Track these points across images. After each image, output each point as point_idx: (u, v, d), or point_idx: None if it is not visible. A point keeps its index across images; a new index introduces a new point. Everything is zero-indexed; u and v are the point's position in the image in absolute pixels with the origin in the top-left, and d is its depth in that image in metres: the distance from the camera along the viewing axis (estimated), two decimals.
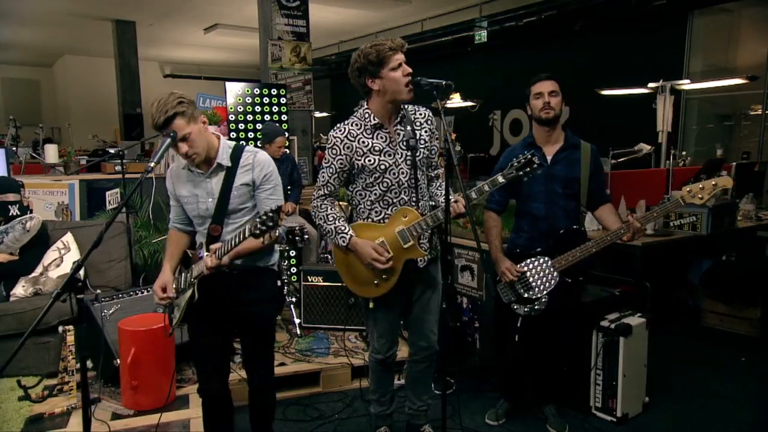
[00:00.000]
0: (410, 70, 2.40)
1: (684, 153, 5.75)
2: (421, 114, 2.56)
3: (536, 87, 2.81)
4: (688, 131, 8.08)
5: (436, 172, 2.67)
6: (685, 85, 5.27)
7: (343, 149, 2.45)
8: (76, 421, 2.95)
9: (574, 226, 2.85)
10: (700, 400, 3.41)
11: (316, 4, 8.47)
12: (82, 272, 3.82)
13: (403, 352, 3.30)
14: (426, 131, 2.54)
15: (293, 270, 4.95)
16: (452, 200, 2.34)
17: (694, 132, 8.09)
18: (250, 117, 5.35)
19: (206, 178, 2.26)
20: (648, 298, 4.22)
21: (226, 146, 2.30)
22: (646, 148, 5.21)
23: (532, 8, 8.68)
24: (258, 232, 1.98)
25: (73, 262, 1.90)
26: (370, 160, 2.44)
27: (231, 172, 2.25)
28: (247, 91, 5.34)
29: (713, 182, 2.55)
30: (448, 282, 2.65)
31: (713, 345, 4.32)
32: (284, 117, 5.48)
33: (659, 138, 5.50)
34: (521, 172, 2.34)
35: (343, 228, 2.48)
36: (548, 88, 2.78)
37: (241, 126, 5.33)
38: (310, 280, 4.08)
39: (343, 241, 2.46)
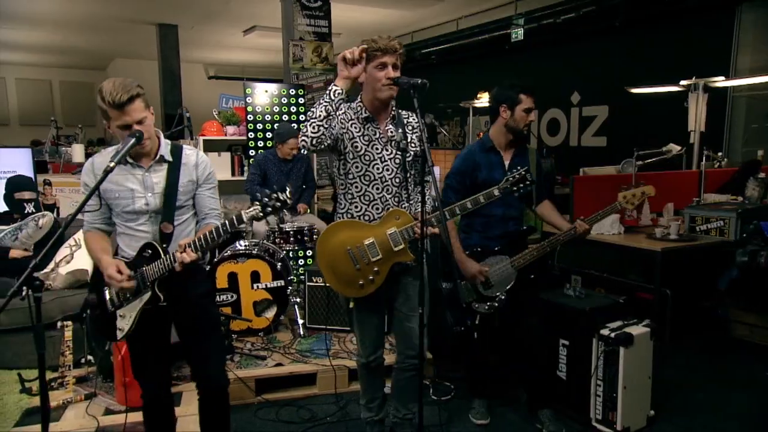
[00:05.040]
0: (392, 74, 2.37)
1: (720, 154, 5.44)
2: (413, 119, 2.56)
3: (528, 101, 2.83)
4: (735, 130, 7.66)
5: (425, 178, 2.63)
6: (720, 82, 4.98)
7: (342, 118, 2.46)
8: (71, 414, 3.04)
9: (525, 227, 3.01)
10: (709, 416, 3.21)
11: (350, 4, 8.51)
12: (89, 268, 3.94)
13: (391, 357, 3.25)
14: (417, 136, 2.52)
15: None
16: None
17: (742, 131, 7.65)
18: (268, 117, 5.40)
19: (146, 172, 2.19)
20: (668, 305, 4.02)
21: (165, 142, 2.26)
22: (675, 148, 4.98)
23: (569, 4, 8.44)
24: (270, 209, 2.01)
25: (32, 264, 1.90)
26: (356, 146, 2.46)
27: (174, 168, 2.22)
28: (266, 91, 5.39)
29: (642, 190, 2.85)
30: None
31: (738, 358, 4.05)
32: (302, 117, 5.50)
33: (691, 138, 5.23)
34: (515, 188, 2.47)
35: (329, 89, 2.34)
36: (534, 104, 2.84)
37: (260, 126, 5.38)
38: (314, 280, 4.07)
39: (336, 88, 2.32)
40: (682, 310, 4.19)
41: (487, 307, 2.92)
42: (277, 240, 4.26)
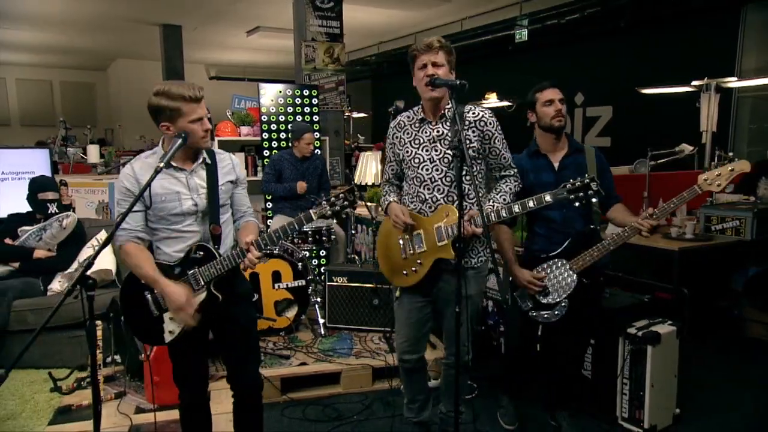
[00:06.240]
0: (432, 72, 2.39)
1: (731, 154, 5.47)
2: (472, 114, 2.50)
3: (546, 94, 2.77)
4: (740, 131, 7.72)
5: (502, 173, 2.61)
6: (732, 82, 5.02)
7: (392, 139, 2.63)
8: (103, 413, 3.02)
9: (591, 226, 2.77)
10: (734, 415, 3.25)
11: (354, 4, 8.51)
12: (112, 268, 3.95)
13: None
14: (474, 132, 2.48)
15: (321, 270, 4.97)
16: (465, 219, 2.34)
17: (747, 132, 7.72)
18: (282, 118, 5.42)
19: (189, 174, 2.21)
20: (686, 305, 4.06)
21: None
22: (687, 148, 5.01)
23: (574, 5, 8.48)
24: (338, 208, 2.16)
25: (84, 259, 1.93)
26: (408, 152, 2.56)
27: (212, 170, 2.25)
28: (279, 92, 5.41)
29: (730, 168, 2.46)
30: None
31: (755, 357, 4.10)
32: (316, 117, 5.52)
33: (702, 138, 5.27)
34: (572, 196, 2.32)
35: (387, 198, 2.67)
36: (558, 95, 2.77)
37: (273, 127, 5.39)
38: (334, 280, 4.09)
39: (384, 204, 2.67)
40: (698, 309, 4.23)
41: (546, 315, 2.75)
42: (295, 240, 4.28)
